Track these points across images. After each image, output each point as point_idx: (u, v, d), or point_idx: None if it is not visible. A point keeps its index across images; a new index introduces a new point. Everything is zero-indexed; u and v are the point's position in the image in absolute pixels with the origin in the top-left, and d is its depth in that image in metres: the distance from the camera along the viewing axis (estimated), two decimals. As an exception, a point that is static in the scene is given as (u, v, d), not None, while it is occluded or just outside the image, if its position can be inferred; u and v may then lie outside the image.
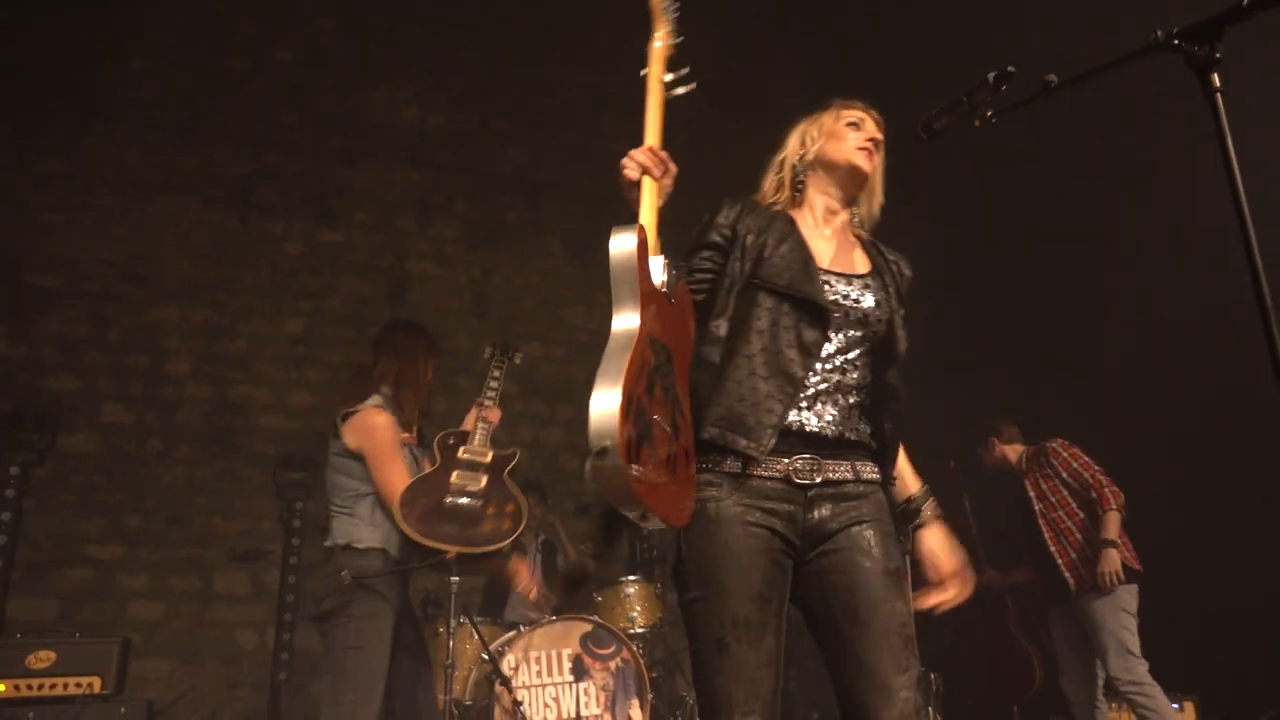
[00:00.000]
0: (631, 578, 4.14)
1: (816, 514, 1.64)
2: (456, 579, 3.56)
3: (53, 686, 3.46)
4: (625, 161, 1.61)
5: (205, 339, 5.35)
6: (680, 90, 1.77)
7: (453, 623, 3.46)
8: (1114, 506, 3.87)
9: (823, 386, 1.68)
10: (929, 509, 1.82)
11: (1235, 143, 1.28)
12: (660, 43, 1.78)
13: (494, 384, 3.20)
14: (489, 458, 2.94)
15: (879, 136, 1.85)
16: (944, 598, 1.77)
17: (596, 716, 3.51)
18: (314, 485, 5.12)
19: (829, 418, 1.67)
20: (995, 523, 4.79)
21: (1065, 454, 4.08)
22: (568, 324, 6.21)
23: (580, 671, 3.56)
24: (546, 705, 3.48)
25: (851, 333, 1.71)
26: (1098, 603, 3.83)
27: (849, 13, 6.43)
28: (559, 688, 3.52)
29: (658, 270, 1.53)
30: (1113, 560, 3.80)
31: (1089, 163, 5.41)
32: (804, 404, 1.66)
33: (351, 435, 2.84)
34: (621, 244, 1.48)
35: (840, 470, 1.66)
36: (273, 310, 5.53)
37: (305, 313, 5.61)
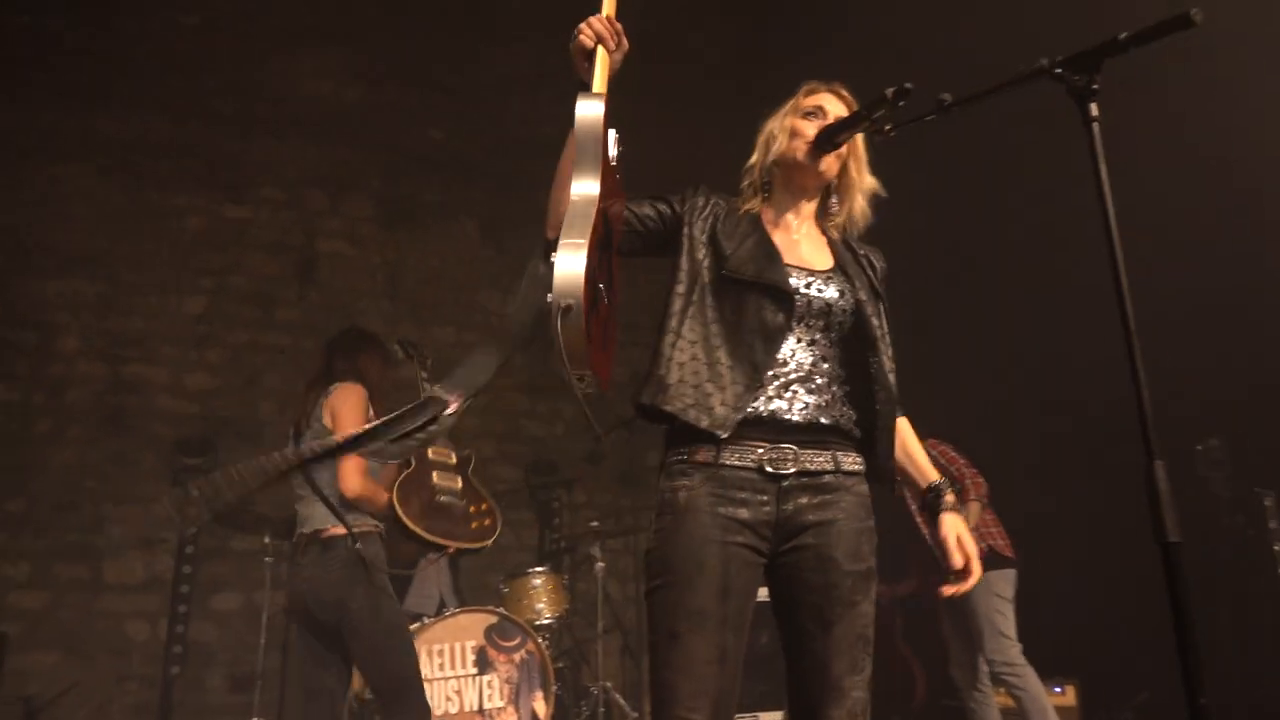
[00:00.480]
0: (539, 569, 4.12)
1: (791, 505, 1.62)
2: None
3: (-82, 685, 3.27)
4: (581, 28, 1.59)
5: (98, 315, 5.09)
6: None
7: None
8: (974, 497, 4.08)
9: (795, 374, 1.66)
10: (949, 497, 1.83)
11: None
12: None
13: (426, 385, 3.27)
14: (454, 459, 3.05)
15: (830, 123, 1.78)
16: (964, 586, 1.82)
17: (499, 709, 3.49)
18: (213, 470, 4.95)
19: (801, 404, 1.64)
20: (883, 538, 4.93)
21: (934, 452, 4.30)
22: (482, 308, 6.12)
23: (484, 664, 3.54)
24: (449, 698, 3.45)
25: (815, 321, 1.71)
26: (973, 589, 4.02)
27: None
28: (461, 680, 3.50)
29: (611, 143, 1.54)
30: None
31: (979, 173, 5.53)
32: (775, 391, 1.64)
33: (328, 411, 2.89)
34: (588, 111, 1.48)
35: (819, 460, 1.64)
36: (172, 287, 5.30)
37: (207, 290, 5.40)
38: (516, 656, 3.60)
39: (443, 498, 2.89)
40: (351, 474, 2.76)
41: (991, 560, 4.09)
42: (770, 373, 1.65)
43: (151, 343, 5.17)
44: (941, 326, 5.74)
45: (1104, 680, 4.63)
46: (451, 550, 2.76)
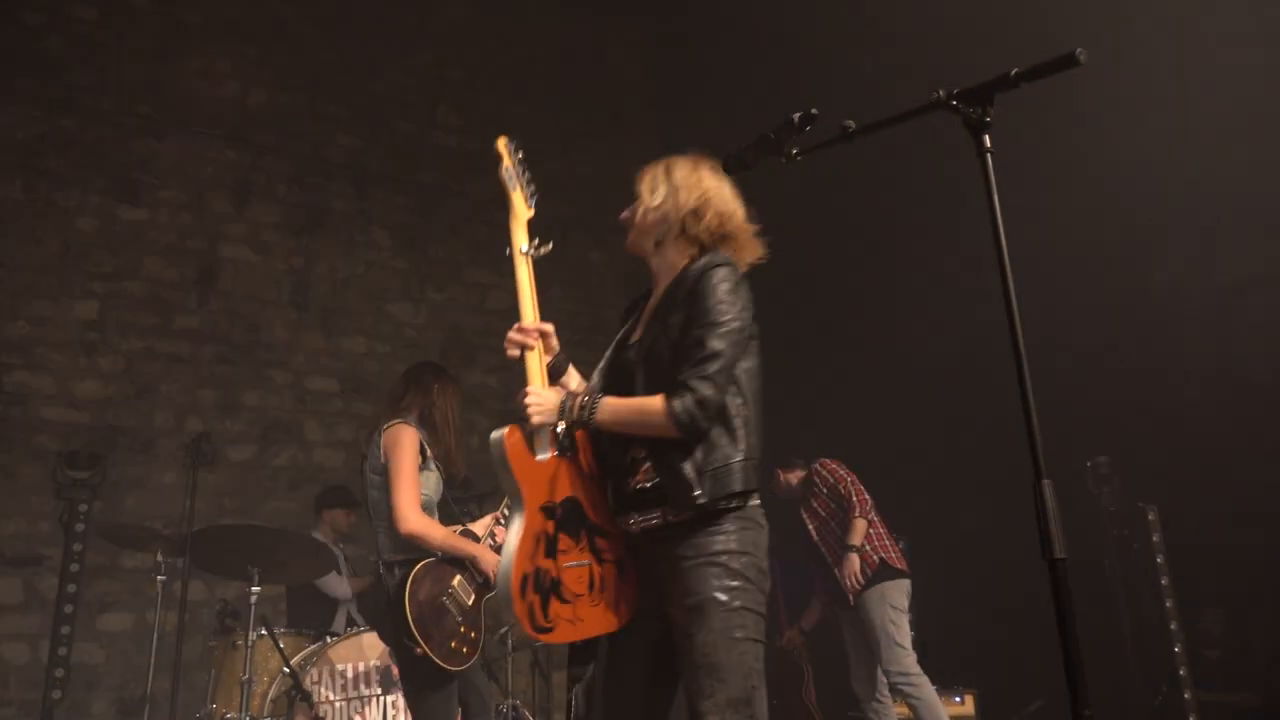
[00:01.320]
0: (447, 585, 4.03)
1: (647, 559, 1.86)
2: (257, 589, 3.38)
3: None
4: (506, 344, 1.85)
5: (-22, 319, 4.80)
6: (543, 251, 1.90)
7: (252, 635, 3.28)
8: (858, 514, 4.22)
9: (638, 445, 1.85)
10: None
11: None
12: (518, 214, 1.91)
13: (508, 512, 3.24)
14: (483, 579, 3.00)
15: (622, 215, 2.00)
16: None
17: (403, 730, 3.40)
18: (101, 484, 4.72)
19: (634, 475, 1.84)
20: (793, 580, 5.05)
21: (825, 471, 4.42)
22: (393, 319, 5.99)
23: (388, 683, 3.45)
24: (351, 720, 3.35)
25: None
26: (868, 600, 4.16)
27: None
28: (365, 701, 3.40)
29: (546, 443, 1.78)
30: (852, 563, 4.16)
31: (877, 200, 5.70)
32: (627, 467, 1.86)
33: (383, 450, 2.93)
34: (496, 450, 1.74)
35: (649, 520, 1.83)
36: (61, 290, 5.03)
37: (99, 295, 5.14)
38: (422, 676, 3.51)
39: (447, 601, 2.83)
40: (407, 509, 2.78)
41: (884, 572, 4.20)
42: (629, 448, 1.87)
43: (38, 349, 4.90)
44: (839, 344, 5.88)
45: (1001, 689, 4.78)
46: (420, 652, 2.67)
